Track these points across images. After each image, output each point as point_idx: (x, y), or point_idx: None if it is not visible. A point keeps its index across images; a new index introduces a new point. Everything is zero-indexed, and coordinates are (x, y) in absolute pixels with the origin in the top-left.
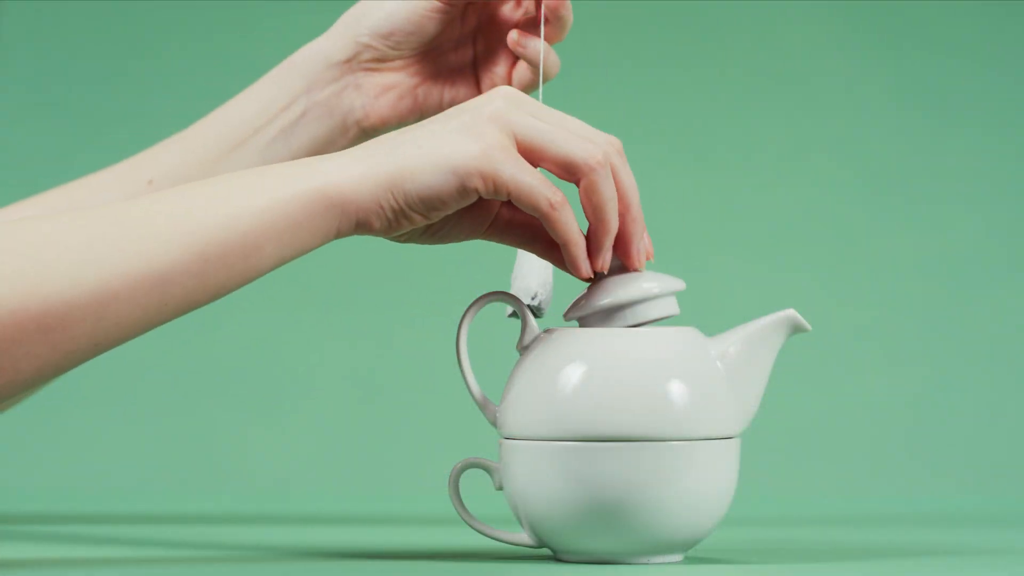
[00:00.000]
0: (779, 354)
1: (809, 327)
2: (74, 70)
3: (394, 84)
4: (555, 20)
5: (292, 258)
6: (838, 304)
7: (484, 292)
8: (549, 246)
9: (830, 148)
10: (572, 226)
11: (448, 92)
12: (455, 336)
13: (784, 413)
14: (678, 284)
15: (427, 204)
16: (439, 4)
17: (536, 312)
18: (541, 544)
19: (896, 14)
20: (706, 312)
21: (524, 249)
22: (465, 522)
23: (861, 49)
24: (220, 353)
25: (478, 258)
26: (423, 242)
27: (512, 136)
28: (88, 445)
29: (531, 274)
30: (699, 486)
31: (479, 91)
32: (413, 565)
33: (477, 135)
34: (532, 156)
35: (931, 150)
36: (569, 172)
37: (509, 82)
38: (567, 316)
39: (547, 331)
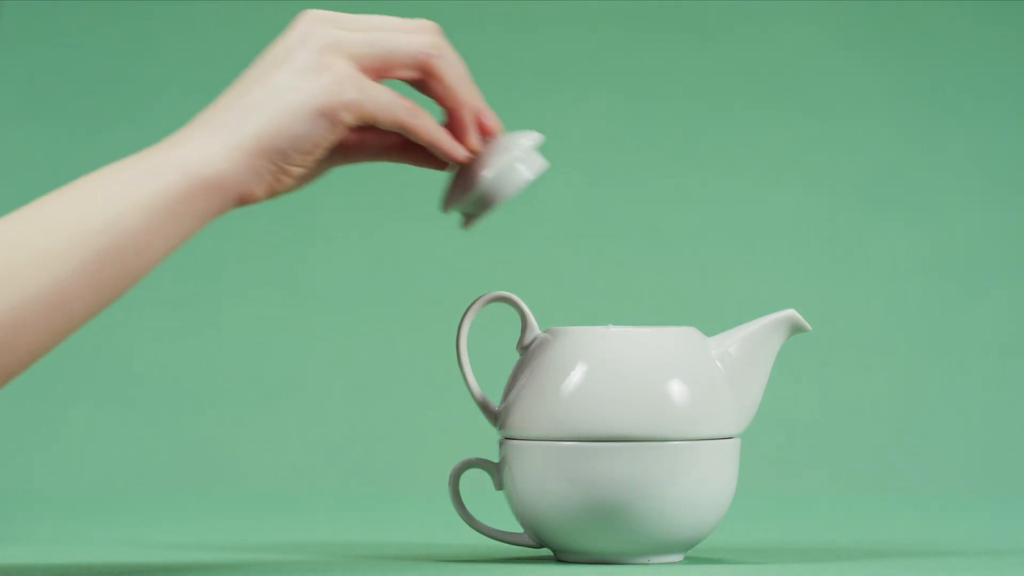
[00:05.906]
0: (779, 354)
1: (809, 327)
2: (73, 70)
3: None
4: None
5: (179, 246)
6: (838, 304)
7: (484, 292)
8: (403, 151)
9: (830, 148)
10: (433, 124)
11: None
12: (455, 336)
13: (784, 413)
14: (537, 135)
15: (305, 153)
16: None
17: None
18: (541, 544)
19: (894, 13)
20: (706, 312)
21: (377, 160)
22: (465, 522)
23: (860, 48)
24: (219, 353)
25: (478, 258)
26: (296, 189)
27: (352, 59)
28: (86, 445)
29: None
30: (699, 486)
31: None
32: (413, 565)
33: (324, 69)
34: (379, 71)
35: (930, 150)
36: (420, 69)
37: None
38: (448, 206)
39: (547, 331)
